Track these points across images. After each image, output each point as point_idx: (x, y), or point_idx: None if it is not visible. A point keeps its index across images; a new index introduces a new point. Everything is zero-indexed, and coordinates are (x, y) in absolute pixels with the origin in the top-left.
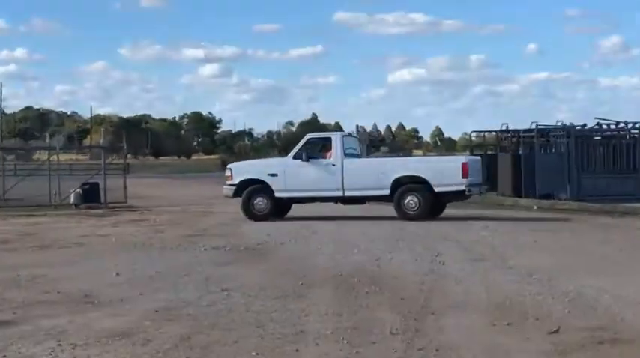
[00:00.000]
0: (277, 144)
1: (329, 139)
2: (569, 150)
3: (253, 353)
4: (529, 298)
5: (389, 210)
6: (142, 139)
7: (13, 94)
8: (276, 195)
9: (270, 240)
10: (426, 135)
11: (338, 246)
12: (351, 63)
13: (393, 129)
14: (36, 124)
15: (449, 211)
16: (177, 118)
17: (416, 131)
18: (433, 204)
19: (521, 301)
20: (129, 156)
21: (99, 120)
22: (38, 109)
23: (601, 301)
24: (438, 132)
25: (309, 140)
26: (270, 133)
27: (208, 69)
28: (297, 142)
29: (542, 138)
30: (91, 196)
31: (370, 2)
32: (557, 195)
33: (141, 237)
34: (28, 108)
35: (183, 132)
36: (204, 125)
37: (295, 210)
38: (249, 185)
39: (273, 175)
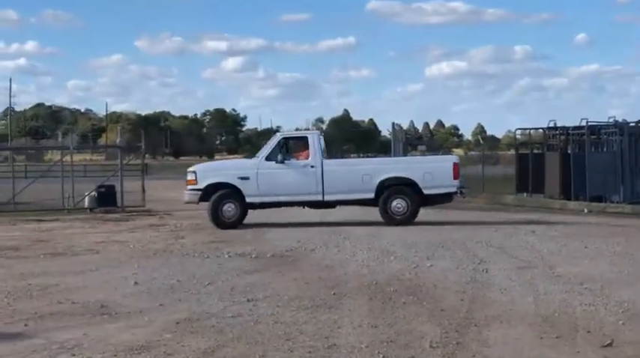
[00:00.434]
0: None
1: (305, 139)
2: (622, 149)
3: None
4: (579, 309)
5: (424, 215)
6: (161, 138)
7: (23, 90)
8: (248, 200)
9: (300, 246)
10: (467, 133)
11: (372, 253)
12: (385, 55)
13: (431, 126)
14: (48, 122)
15: (488, 215)
16: (198, 115)
17: (456, 128)
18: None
19: (571, 312)
20: (147, 156)
21: (115, 118)
22: (50, 106)
23: None
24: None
25: (283, 140)
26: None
27: (232, 62)
28: (328, 140)
29: (592, 136)
30: (106, 199)
31: None
32: (609, 198)
33: (160, 243)
34: (39, 106)
35: (205, 130)
36: (227, 122)
37: (324, 215)
38: (216, 189)
39: (244, 179)
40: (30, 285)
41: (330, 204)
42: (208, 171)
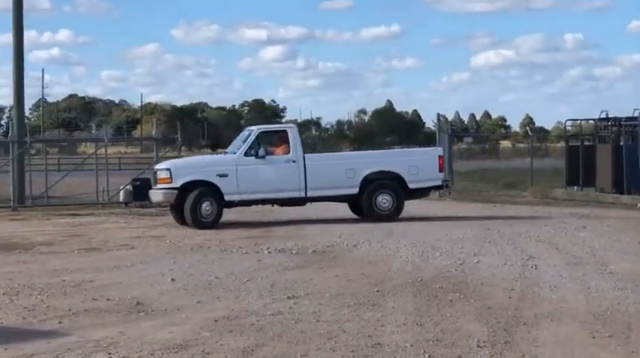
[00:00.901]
0: (348, 134)
1: (284, 132)
2: None
3: None
4: (633, 307)
5: (472, 209)
6: (198, 130)
7: (56, 81)
8: (227, 198)
9: (342, 241)
10: (515, 125)
11: (417, 249)
12: (430, 44)
13: (478, 117)
14: (81, 114)
15: (537, 209)
16: (236, 106)
17: (503, 120)
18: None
19: (624, 310)
20: (183, 148)
21: (150, 109)
22: (83, 97)
23: None
24: (529, 121)
25: (261, 134)
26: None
27: (271, 51)
28: (371, 132)
29: None
30: (142, 193)
31: None
32: None
33: (198, 238)
34: (73, 97)
35: (243, 121)
36: (266, 114)
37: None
38: (193, 188)
39: (222, 176)
40: (64, 281)
41: (313, 201)
42: (184, 169)
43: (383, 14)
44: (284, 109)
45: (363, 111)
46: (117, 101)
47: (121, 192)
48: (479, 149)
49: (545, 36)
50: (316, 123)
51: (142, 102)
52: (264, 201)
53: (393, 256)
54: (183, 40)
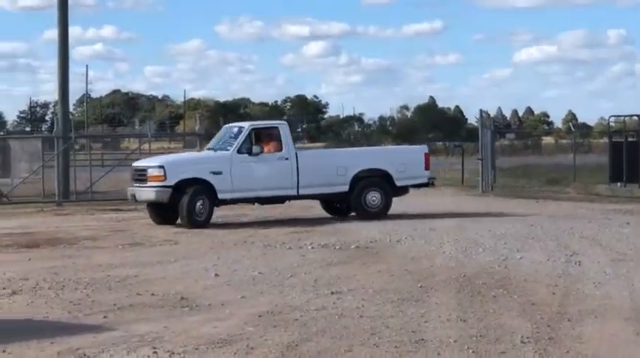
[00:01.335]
0: (391, 130)
1: (275, 129)
2: None
3: None
4: None
5: (515, 205)
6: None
7: (99, 77)
8: (221, 196)
9: (385, 237)
10: (557, 121)
11: (460, 245)
12: (472, 40)
13: (520, 113)
14: (124, 110)
15: (580, 205)
16: (278, 102)
17: (546, 116)
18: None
19: None
20: None
21: (193, 105)
22: (127, 93)
23: None
24: (571, 117)
25: (253, 130)
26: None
27: (314, 47)
28: (414, 128)
29: None
30: None
31: None
32: None
33: (241, 233)
34: (116, 92)
35: (285, 117)
36: (308, 110)
37: (407, 205)
38: (187, 186)
39: (217, 173)
40: (109, 276)
41: (303, 199)
42: (179, 166)
43: (425, 10)
44: (326, 105)
45: (406, 107)
46: (160, 97)
47: None
48: (521, 145)
49: (588, 32)
50: (359, 118)
51: (184, 97)
52: (256, 200)
53: (436, 252)
54: (227, 36)
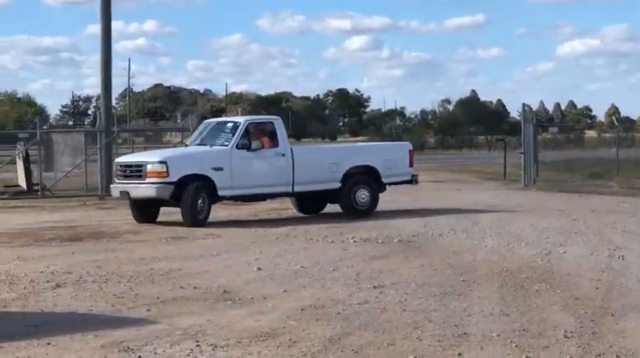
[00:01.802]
0: (432, 124)
1: (271, 124)
2: None
3: (411, 357)
4: None
5: (558, 199)
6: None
7: (141, 71)
8: (220, 193)
9: (427, 231)
10: (600, 114)
11: (503, 239)
12: (515, 33)
13: (563, 107)
14: (166, 103)
15: (623, 199)
16: (320, 96)
17: (588, 109)
18: None
19: None
20: None
21: (234, 99)
22: (169, 87)
23: None
24: (614, 111)
25: (249, 125)
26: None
27: (356, 41)
28: (455, 122)
29: None
30: None
31: None
32: None
33: (283, 227)
34: (158, 86)
35: (327, 111)
36: (350, 103)
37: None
38: (188, 182)
39: (218, 169)
40: (152, 270)
41: (298, 197)
42: (182, 161)
43: (467, 4)
44: (368, 99)
45: (447, 101)
46: (202, 91)
47: None
48: (564, 139)
49: (631, 25)
50: (400, 112)
51: (226, 91)
52: (254, 197)
53: (478, 246)
54: (268, 30)
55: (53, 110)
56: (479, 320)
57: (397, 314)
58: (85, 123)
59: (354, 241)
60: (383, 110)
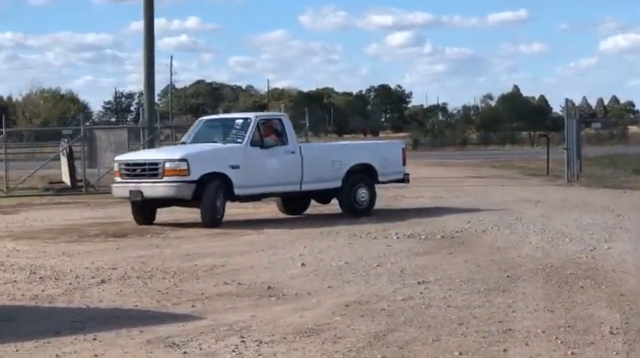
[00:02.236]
0: (475, 120)
1: (278, 121)
2: None
3: (456, 353)
4: None
5: (601, 195)
6: (324, 116)
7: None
8: (236, 192)
9: (471, 227)
10: None
11: (547, 235)
12: (557, 28)
13: (606, 102)
14: (208, 100)
15: None
16: (362, 92)
17: (631, 105)
18: None
19: None
20: (310, 133)
21: (276, 95)
22: (210, 83)
23: None
24: None
25: (260, 122)
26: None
27: (398, 37)
28: (498, 118)
29: None
30: None
31: None
32: None
33: (326, 223)
34: (200, 83)
35: (369, 107)
36: (392, 99)
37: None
38: (208, 181)
39: (235, 167)
40: (196, 266)
41: (304, 196)
42: (202, 159)
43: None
44: (410, 95)
45: (490, 97)
46: (244, 87)
47: None
48: (607, 134)
49: None
50: (442, 108)
51: (268, 87)
52: (265, 196)
53: (522, 242)
54: (311, 26)
55: (96, 107)
56: (524, 316)
57: (442, 310)
58: (128, 119)
59: (398, 237)
60: (425, 106)
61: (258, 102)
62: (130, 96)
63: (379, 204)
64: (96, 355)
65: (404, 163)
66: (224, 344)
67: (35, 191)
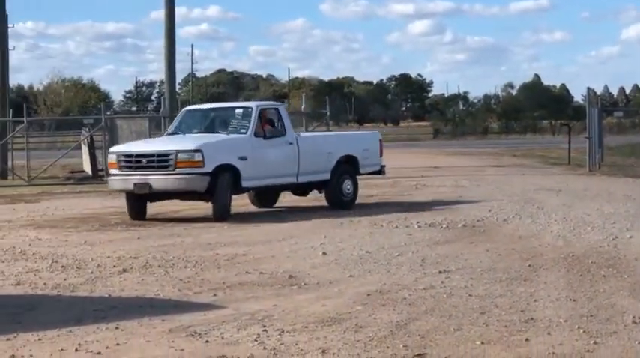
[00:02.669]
0: (495, 109)
1: (276, 110)
2: None
3: (478, 343)
4: None
5: (623, 184)
6: (345, 105)
7: (204, 56)
8: (244, 184)
9: (492, 216)
10: None
11: (568, 224)
12: (579, 17)
13: (627, 91)
14: (229, 89)
15: None
16: (383, 81)
17: None
18: None
19: None
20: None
21: (297, 84)
22: (231, 72)
23: None
24: None
25: (261, 112)
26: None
27: (419, 26)
28: (519, 107)
29: None
30: None
31: None
32: None
33: (346, 213)
34: (221, 72)
35: (389, 96)
36: (413, 88)
37: (509, 185)
38: (219, 173)
39: (242, 159)
40: (217, 255)
41: (299, 189)
42: (216, 150)
43: None
44: (431, 84)
45: (511, 86)
46: (264, 76)
47: None
48: (629, 123)
49: None
50: (463, 97)
51: (289, 76)
52: (268, 188)
53: (543, 231)
54: (331, 15)
55: (117, 96)
56: (545, 305)
57: (463, 300)
58: (149, 108)
59: (419, 226)
60: (446, 95)
61: (278, 91)
62: (151, 85)
63: (398, 191)
64: (118, 343)
65: (381, 154)
66: (246, 333)
67: (56, 180)
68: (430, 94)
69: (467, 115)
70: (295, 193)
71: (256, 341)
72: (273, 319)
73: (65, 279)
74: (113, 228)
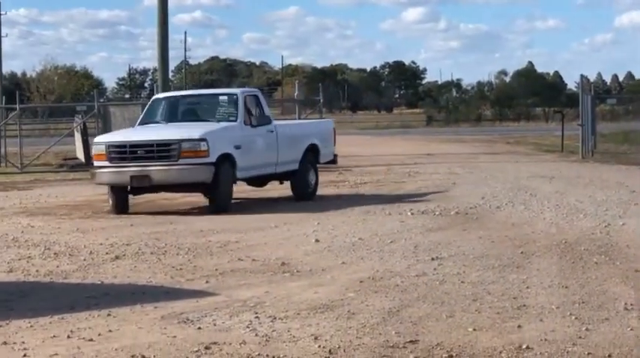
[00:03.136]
0: (489, 96)
1: (255, 97)
2: None
3: (470, 329)
4: None
5: (616, 171)
6: (338, 92)
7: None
8: (238, 174)
9: (485, 203)
10: None
11: (561, 211)
12: (573, 4)
13: (621, 78)
14: (222, 76)
15: None
16: (377, 68)
17: None
18: None
19: None
20: (324, 110)
21: (290, 71)
22: (225, 60)
23: None
24: None
25: (246, 98)
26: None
27: (412, 13)
28: (512, 94)
29: None
30: None
31: None
32: None
33: (339, 200)
34: (214, 59)
35: (383, 83)
36: (406, 75)
37: (506, 171)
38: (223, 162)
39: (237, 148)
40: (210, 242)
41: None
42: (219, 139)
43: None
44: (424, 71)
45: (504, 73)
46: (258, 63)
47: None
48: (622, 110)
49: None
50: (457, 84)
51: (282, 64)
52: (253, 179)
53: (536, 218)
54: (325, 2)
55: (110, 83)
56: (538, 292)
57: (456, 286)
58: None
59: (412, 213)
60: (439, 82)
61: (271, 78)
62: (144, 72)
63: (393, 178)
64: (110, 330)
65: (334, 143)
66: (238, 320)
67: (49, 167)
68: (423, 82)
69: (460, 102)
70: (251, 184)
71: (248, 327)
72: (265, 306)
73: (58, 266)
74: (106, 215)
